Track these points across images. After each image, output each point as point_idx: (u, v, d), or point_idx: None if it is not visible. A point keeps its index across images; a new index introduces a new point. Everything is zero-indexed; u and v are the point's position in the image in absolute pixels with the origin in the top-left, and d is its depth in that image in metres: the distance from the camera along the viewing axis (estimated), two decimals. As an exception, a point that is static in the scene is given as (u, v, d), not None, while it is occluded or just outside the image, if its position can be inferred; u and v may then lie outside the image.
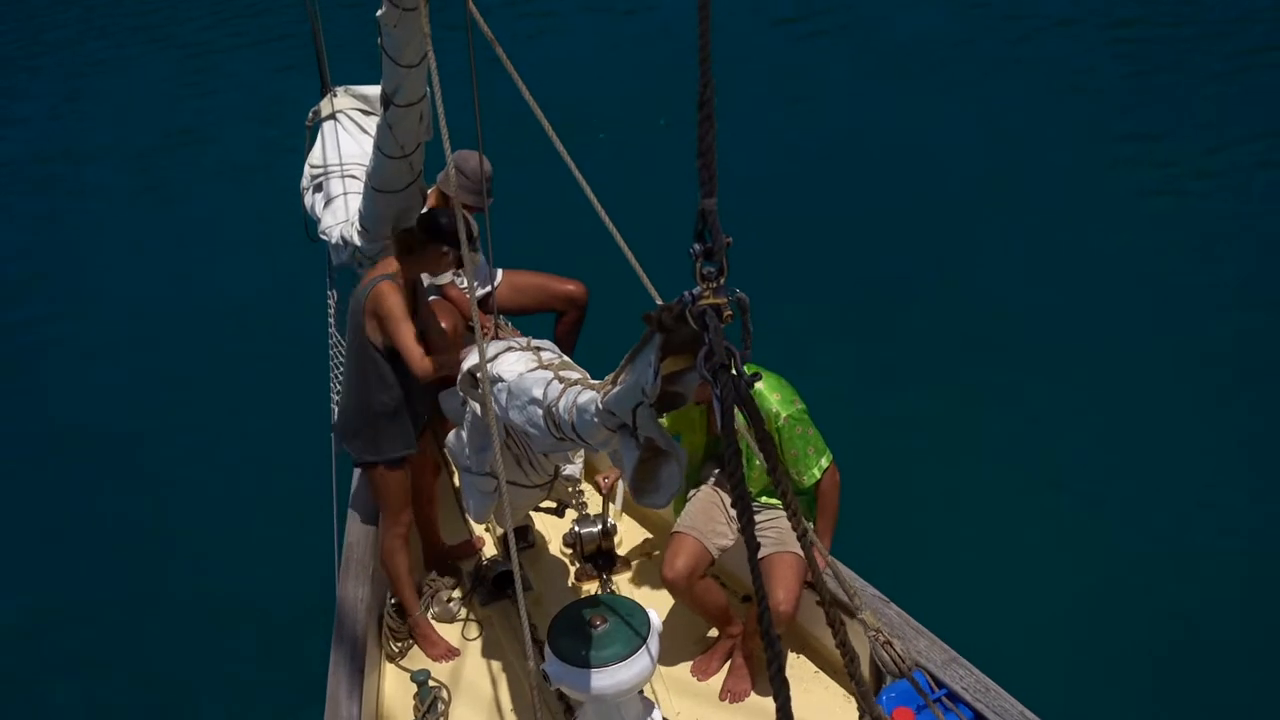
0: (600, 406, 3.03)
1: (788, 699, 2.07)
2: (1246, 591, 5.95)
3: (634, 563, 5.19)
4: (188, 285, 9.45)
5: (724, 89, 1.97)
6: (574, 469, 4.79)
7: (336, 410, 5.26)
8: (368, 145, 4.92)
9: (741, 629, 4.59)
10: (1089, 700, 5.40)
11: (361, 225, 4.90)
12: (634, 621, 3.87)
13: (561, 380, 3.47)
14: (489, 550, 5.35)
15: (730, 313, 2.10)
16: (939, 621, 4.34)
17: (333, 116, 5.63)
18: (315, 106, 5.74)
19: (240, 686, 6.21)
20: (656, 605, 4.27)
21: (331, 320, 5.89)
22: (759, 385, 4.20)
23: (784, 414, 4.29)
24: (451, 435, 4.46)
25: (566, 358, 3.89)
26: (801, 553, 4.35)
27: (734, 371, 2.11)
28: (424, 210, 4.77)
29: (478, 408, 4.11)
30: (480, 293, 5.33)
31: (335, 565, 5.11)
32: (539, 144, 4.05)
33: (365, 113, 5.61)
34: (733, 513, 4.58)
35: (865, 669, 4.09)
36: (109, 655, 6.56)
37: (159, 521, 7.34)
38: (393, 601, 4.98)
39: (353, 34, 7.85)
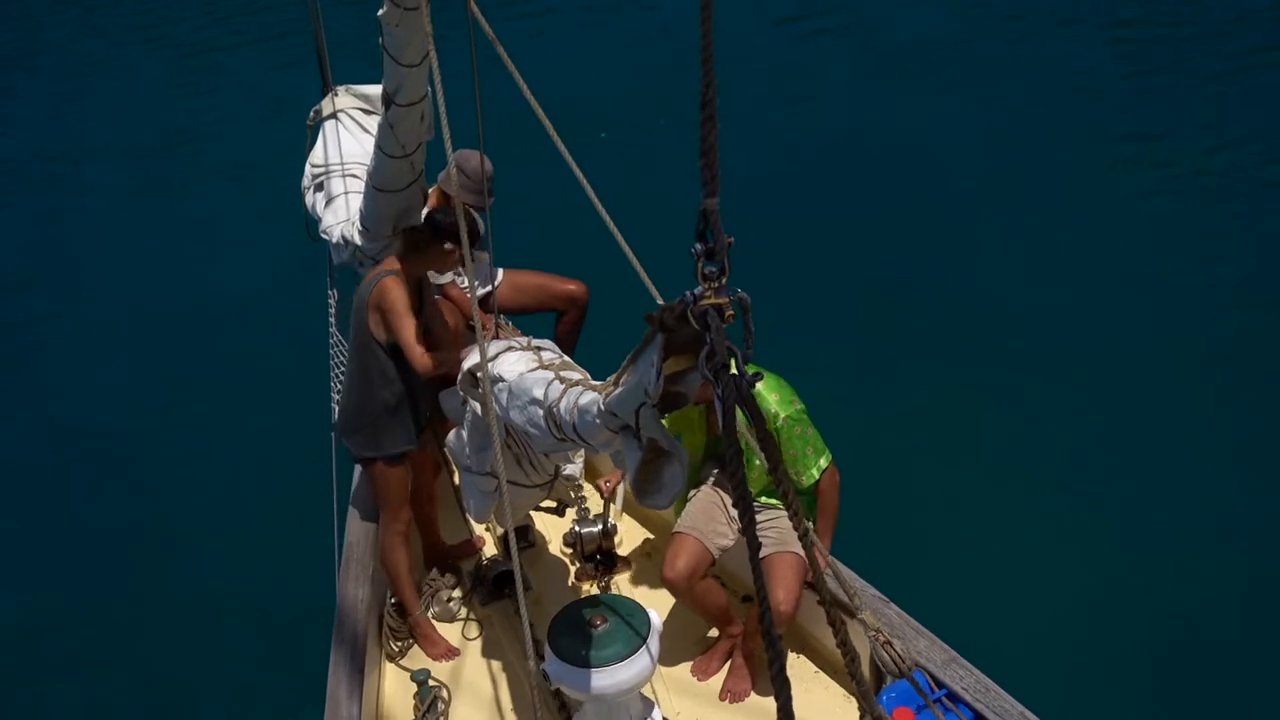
0: (602, 408, 3.03)
1: (789, 698, 2.07)
2: (1246, 592, 5.95)
3: (634, 562, 5.19)
4: (188, 284, 9.45)
5: (726, 89, 1.97)
6: (574, 469, 4.79)
7: (337, 410, 5.26)
8: (369, 144, 4.92)
9: (742, 629, 4.59)
10: (1089, 700, 5.40)
11: (362, 224, 4.90)
12: (634, 621, 3.87)
13: (562, 381, 3.47)
14: (489, 550, 5.35)
15: (732, 312, 2.10)
16: (939, 622, 4.35)
17: (334, 116, 5.63)
18: (316, 106, 5.74)
19: (240, 686, 6.21)
20: (657, 605, 4.27)
21: (332, 320, 5.89)
22: (759, 385, 4.20)
23: (783, 414, 4.29)
24: (452, 435, 4.46)
25: (567, 358, 3.89)
26: (801, 553, 4.36)
27: (735, 371, 2.11)
28: (429, 209, 4.78)
29: (478, 407, 4.11)
30: (481, 292, 5.33)
31: (335, 565, 5.11)
32: (540, 143, 4.05)
33: (366, 112, 5.61)
34: (733, 513, 4.58)
35: (865, 669, 4.09)
36: (109, 655, 6.56)
37: (159, 521, 7.34)
38: (393, 601, 4.98)
39: (354, 33, 7.85)
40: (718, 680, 4.63)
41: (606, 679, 3.77)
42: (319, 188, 5.53)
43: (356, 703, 4.36)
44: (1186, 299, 7.85)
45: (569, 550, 5.22)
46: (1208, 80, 10.36)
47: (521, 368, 3.69)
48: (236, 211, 10.20)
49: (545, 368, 3.66)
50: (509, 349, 3.86)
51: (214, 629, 6.54)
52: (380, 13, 3.92)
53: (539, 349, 3.89)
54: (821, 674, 4.61)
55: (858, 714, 4.19)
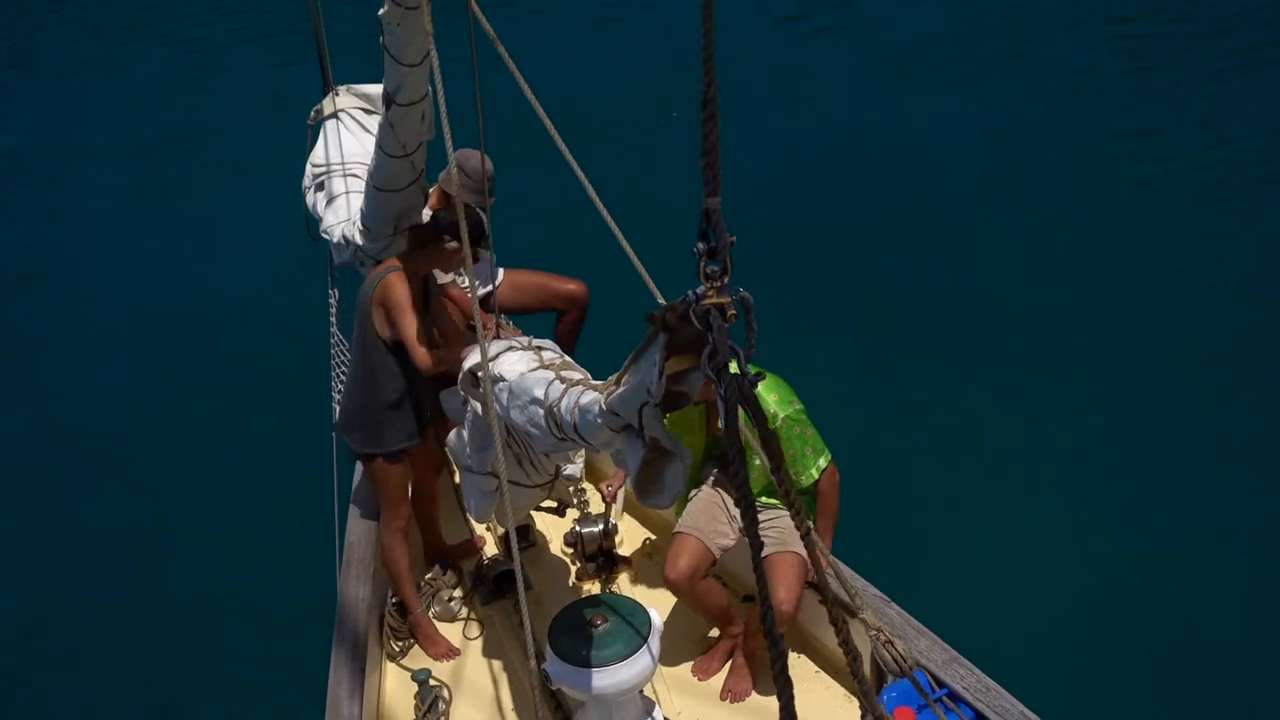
0: (604, 407, 3.03)
1: (791, 698, 2.07)
2: (1247, 592, 5.95)
3: (635, 562, 5.19)
4: (188, 283, 9.44)
5: (726, 88, 1.97)
6: (575, 469, 4.79)
7: (338, 410, 5.26)
8: (369, 144, 4.92)
9: (743, 629, 4.59)
10: (1089, 700, 5.40)
11: (363, 224, 4.90)
12: (635, 621, 3.87)
13: (563, 380, 3.47)
14: (490, 549, 5.35)
15: (734, 312, 2.10)
16: (940, 621, 4.35)
17: (335, 115, 5.63)
18: (317, 105, 5.74)
19: (240, 686, 6.21)
20: (657, 605, 4.27)
21: (333, 319, 5.88)
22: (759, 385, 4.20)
23: (782, 414, 4.29)
24: (453, 434, 4.46)
25: (568, 358, 3.89)
26: (802, 552, 4.36)
27: (738, 371, 2.11)
28: (432, 208, 4.78)
29: (479, 407, 4.11)
30: (482, 292, 5.33)
31: (336, 565, 5.11)
32: (541, 143, 4.05)
33: (367, 111, 5.61)
34: (734, 512, 4.58)
35: (866, 668, 4.09)
36: (109, 655, 6.56)
37: (159, 521, 7.34)
38: (394, 601, 4.98)
39: (355, 32, 7.85)
40: (719, 680, 4.63)
41: (607, 679, 3.78)
42: (320, 187, 5.53)
43: (357, 703, 4.36)
44: (1188, 298, 7.85)
45: (570, 550, 5.23)
46: (1208, 78, 10.35)
47: (522, 367, 3.69)
48: (237, 210, 10.19)
49: (546, 367, 3.66)
50: (510, 349, 3.86)
51: (214, 629, 6.54)
52: (381, 12, 3.92)
53: (540, 349, 3.89)
54: (822, 674, 4.61)
55: (858, 714, 4.19)
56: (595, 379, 3.47)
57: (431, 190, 5.07)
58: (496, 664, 4.85)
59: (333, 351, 5.84)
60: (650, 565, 5.14)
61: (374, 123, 5.35)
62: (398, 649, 4.92)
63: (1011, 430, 7.02)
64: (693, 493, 4.67)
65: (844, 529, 4.57)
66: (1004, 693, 4.02)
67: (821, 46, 11.76)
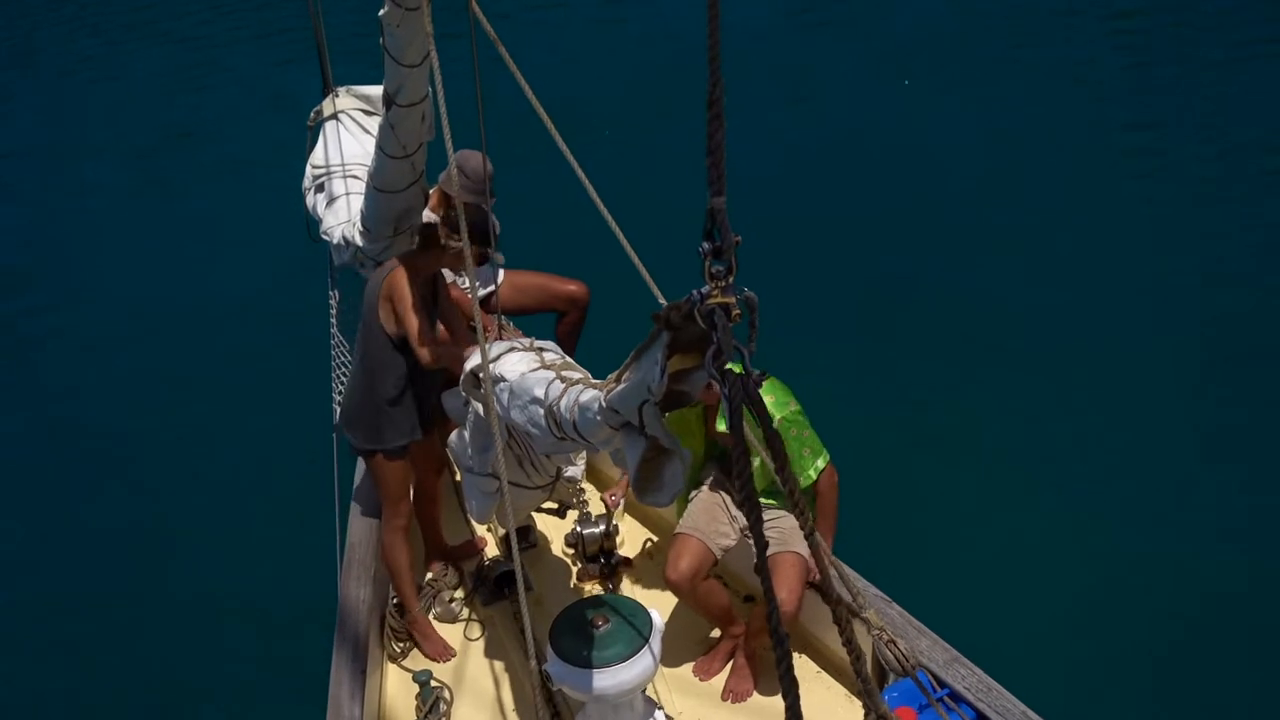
0: (604, 404, 3.03)
1: (797, 698, 2.08)
2: (1246, 592, 5.95)
3: (636, 563, 5.19)
4: (188, 283, 9.42)
5: (732, 87, 1.97)
6: (576, 470, 4.79)
7: (338, 411, 5.26)
8: (370, 145, 4.92)
9: (744, 629, 4.59)
10: (1090, 700, 5.40)
11: (363, 225, 4.90)
12: (636, 621, 3.87)
13: (563, 380, 3.47)
14: (491, 550, 5.34)
15: (738, 312, 2.10)
16: (941, 621, 4.35)
17: (334, 117, 5.63)
18: (317, 107, 5.74)
19: (240, 686, 6.20)
20: (658, 605, 4.27)
21: (333, 321, 5.88)
22: (756, 386, 4.21)
23: (779, 416, 4.29)
24: (454, 435, 4.46)
25: (569, 359, 3.89)
26: (803, 552, 4.37)
27: (743, 370, 2.11)
28: (432, 209, 4.77)
29: (480, 408, 4.11)
30: (482, 292, 5.33)
31: (337, 565, 5.11)
32: (541, 143, 4.05)
33: (367, 113, 5.62)
34: (734, 512, 4.58)
35: (868, 668, 4.09)
36: (108, 654, 6.55)
37: (159, 521, 7.33)
38: (395, 602, 4.98)
39: (355, 33, 7.85)
40: (720, 680, 4.63)
41: (608, 679, 3.78)
42: (320, 189, 5.53)
43: (358, 703, 4.36)
44: (1187, 297, 7.86)
45: (571, 551, 5.22)
46: (1207, 68, 10.35)
47: (523, 368, 3.69)
48: (237, 210, 10.17)
49: (547, 368, 3.66)
50: (511, 349, 3.86)
51: (214, 629, 6.53)
52: (381, 13, 3.92)
53: (541, 349, 3.89)
54: (824, 674, 4.62)
55: (860, 714, 4.20)
56: (595, 379, 3.47)
57: (432, 191, 5.07)
58: (498, 665, 4.85)
59: (333, 352, 5.84)
60: (651, 566, 5.14)
61: (374, 124, 5.35)
62: (399, 650, 4.92)
63: (1011, 430, 7.02)
64: (693, 494, 4.67)
65: (845, 529, 4.57)
66: (1005, 692, 4.03)
67: (824, 45, 11.75)
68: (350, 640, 4.63)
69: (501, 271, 5.49)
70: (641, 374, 2.77)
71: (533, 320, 5.63)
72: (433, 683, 4.59)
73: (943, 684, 4.09)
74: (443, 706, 4.59)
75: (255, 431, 7.73)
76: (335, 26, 6.38)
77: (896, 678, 3.90)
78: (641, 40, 12.19)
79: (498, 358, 3.79)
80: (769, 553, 4.34)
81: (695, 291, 2.16)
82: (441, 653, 4.90)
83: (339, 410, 5.23)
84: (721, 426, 4.47)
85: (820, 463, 4.38)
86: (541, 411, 3.46)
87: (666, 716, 4.20)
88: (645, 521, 5.39)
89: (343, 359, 5.68)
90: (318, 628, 5.44)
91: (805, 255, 8.51)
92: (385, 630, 4.95)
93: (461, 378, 4.17)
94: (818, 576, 3.76)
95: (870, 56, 11.36)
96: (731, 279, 2.08)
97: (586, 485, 5.28)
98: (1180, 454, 6.73)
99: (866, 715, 2.78)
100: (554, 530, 5.32)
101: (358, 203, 5.09)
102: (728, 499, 4.62)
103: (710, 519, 4.55)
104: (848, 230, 8.89)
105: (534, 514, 5.14)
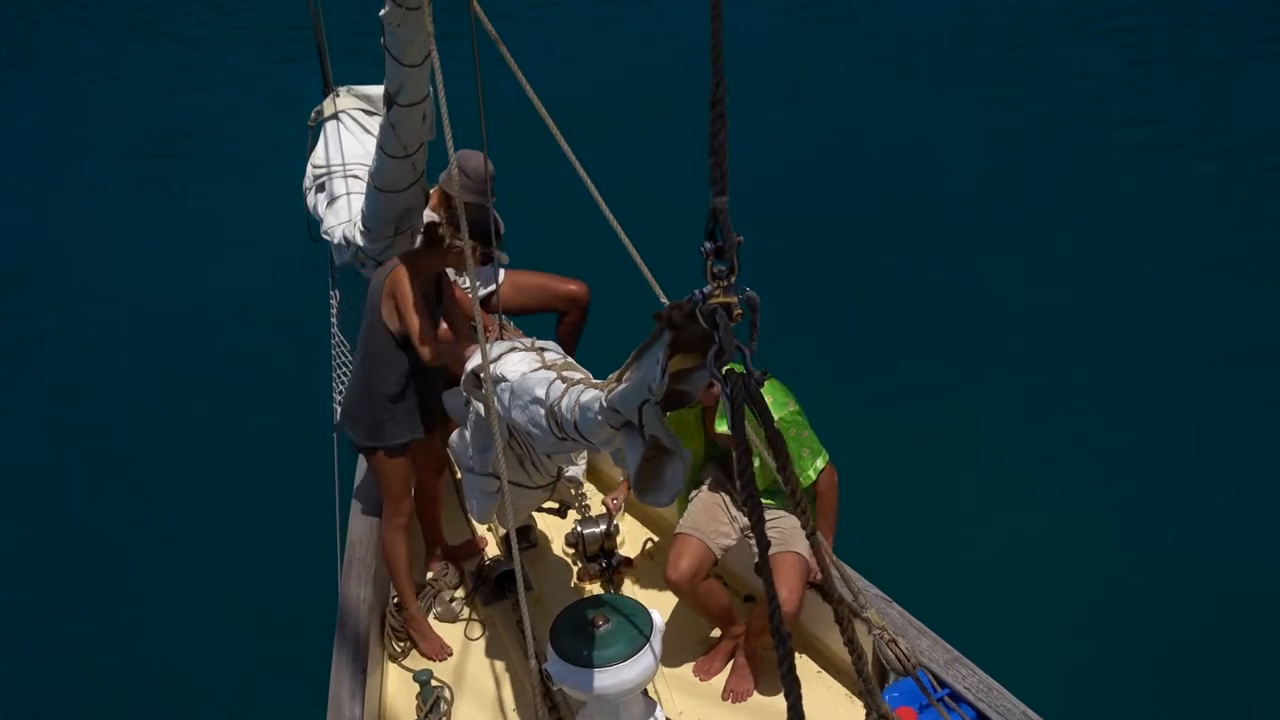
0: (605, 404, 3.03)
1: (799, 697, 2.08)
2: (1246, 592, 5.95)
3: (636, 563, 5.19)
4: (189, 282, 9.43)
5: (733, 86, 1.97)
6: (577, 470, 4.79)
7: (339, 410, 5.26)
8: (370, 145, 4.92)
9: (744, 629, 4.59)
10: (1090, 700, 5.40)
11: (364, 225, 4.90)
12: (637, 621, 3.87)
13: (564, 380, 3.47)
14: (491, 550, 5.34)
15: (740, 311, 2.10)
16: (941, 622, 4.35)
17: (335, 116, 5.62)
18: (318, 107, 5.74)
19: (241, 686, 6.20)
20: (659, 605, 4.27)
21: (334, 320, 5.88)
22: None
23: (777, 416, 4.28)
24: (455, 435, 4.46)
25: (570, 359, 3.89)
26: (803, 552, 4.37)
27: (744, 370, 2.11)
28: (433, 209, 4.78)
29: (481, 408, 4.11)
30: (483, 292, 5.33)
31: (337, 565, 5.11)
32: (543, 143, 4.05)
33: (368, 112, 5.61)
34: (734, 512, 4.58)
35: (869, 668, 4.09)
36: (108, 654, 6.55)
37: (159, 520, 7.33)
38: (395, 601, 4.98)
39: (355, 33, 7.85)
40: (720, 680, 4.63)
41: (609, 679, 3.78)
42: (320, 189, 5.53)
43: (359, 703, 4.36)
44: (1188, 297, 7.86)
45: (571, 551, 5.22)
46: (1208, 68, 10.35)
47: (524, 368, 3.69)
48: (237, 209, 10.18)
49: (548, 368, 3.66)
50: (512, 349, 3.86)
51: (214, 628, 6.53)
52: (382, 13, 3.92)
53: (542, 349, 3.89)
54: (824, 674, 4.62)
55: (861, 713, 4.20)
56: (596, 379, 3.47)
57: (432, 191, 5.07)
58: (499, 664, 4.85)
59: (333, 352, 5.83)
60: (651, 566, 5.14)
61: (374, 124, 5.35)
62: (399, 649, 4.92)
63: (1011, 430, 7.02)
64: (693, 494, 4.67)
65: (845, 529, 4.57)
66: (1005, 692, 4.03)
67: (826, 44, 11.76)
68: (351, 639, 4.63)
69: (502, 271, 5.49)
70: (643, 374, 2.77)
71: (533, 320, 5.63)
72: (433, 682, 4.59)
73: (943, 684, 4.09)
74: (443, 706, 4.59)
75: (255, 431, 7.73)
76: (335, 26, 6.38)
77: (897, 677, 3.91)
78: (642, 40, 12.20)
79: (499, 358, 3.79)
80: (771, 552, 4.37)
81: (697, 291, 2.16)
82: (438, 651, 4.90)
83: (339, 409, 5.23)
84: (721, 427, 4.47)
85: (820, 463, 4.38)
86: (543, 412, 3.46)
87: (666, 716, 4.20)
88: (645, 521, 5.39)
89: (343, 359, 5.68)
90: (318, 627, 5.44)
91: (806, 255, 8.52)
92: (386, 629, 4.95)
93: (463, 377, 4.17)
94: (818, 576, 3.76)
95: (870, 55, 11.36)
96: (733, 279, 2.08)
97: (587, 485, 5.28)
98: (1180, 454, 6.73)
99: (867, 715, 2.78)
100: (554, 530, 5.32)
101: (358, 202, 5.09)
102: (728, 499, 4.62)
103: (710, 519, 4.55)
104: (848, 230, 8.89)
105: (534, 514, 5.14)
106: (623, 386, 2.93)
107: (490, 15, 3.95)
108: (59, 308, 9.57)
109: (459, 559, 5.28)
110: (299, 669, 5.80)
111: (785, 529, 4.43)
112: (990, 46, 11.21)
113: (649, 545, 5.25)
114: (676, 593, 4.50)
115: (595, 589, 5.05)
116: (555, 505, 4.99)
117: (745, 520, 4.49)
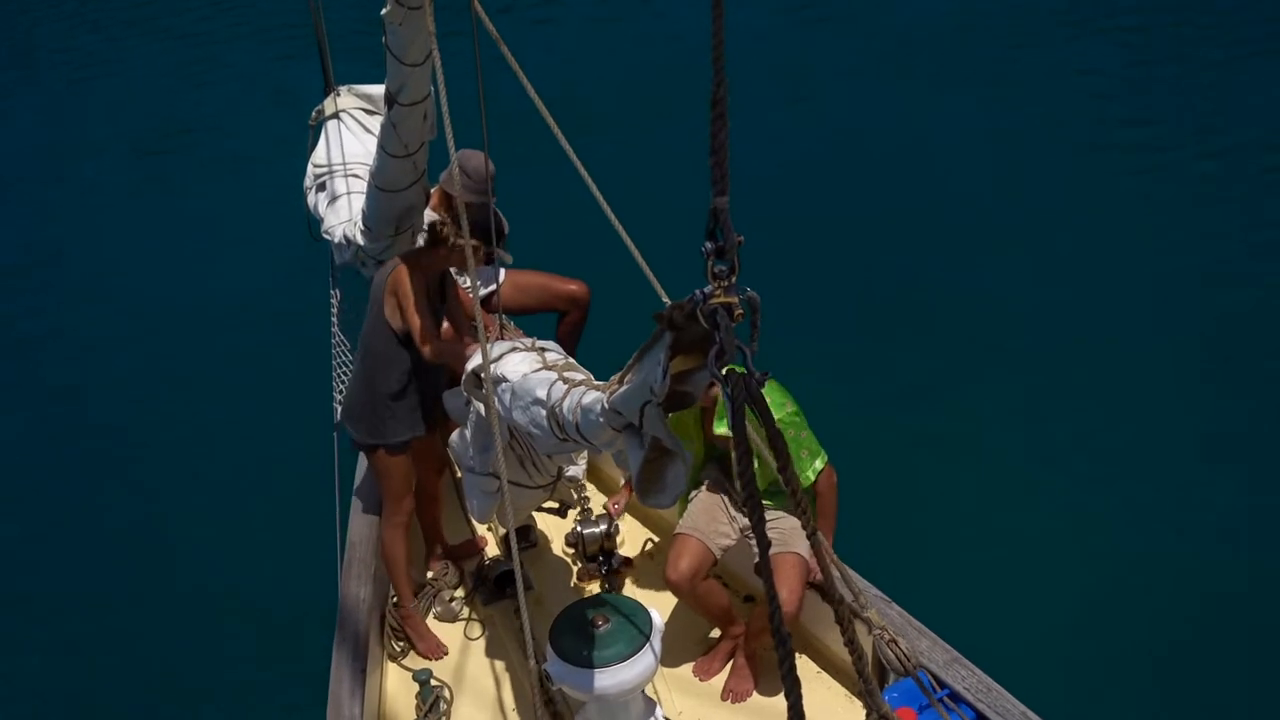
0: (606, 406, 3.03)
1: (799, 697, 2.08)
2: (1246, 592, 5.96)
3: (636, 563, 5.19)
4: (189, 281, 9.41)
5: (733, 86, 1.97)
6: (577, 470, 4.79)
7: (339, 409, 5.26)
8: (371, 144, 4.92)
9: (744, 629, 4.59)
10: (1090, 700, 5.41)
11: (365, 224, 4.90)
12: (637, 621, 3.87)
13: (566, 381, 3.47)
14: (491, 550, 5.34)
15: (741, 311, 2.10)
16: (941, 622, 4.35)
17: (336, 115, 5.62)
18: (319, 106, 5.74)
19: (240, 686, 6.20)
20: (658, 605, 4.28)
21: (334, 320, 5.87)
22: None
23: (775, 417, 4.28)
24: (455, 435, 4.46)
25: (571, 359, 3.89)
26: (803, 552, 4.37)
27: (745, 370, 2.11)
28: (433, 209, 4.77)
29: (481, 408, 4.11)
30: (484, 292, 5.33)
31: (337, 564, 5.11)
32: (544, 142, 4.05)
33: (369, 112, 5.61)
34: (734, 513, 4.58)
35: (869, 668, 4.10)
36: (108, 654, 6.55)
37: (159, 520, 7.33)
38: (395, 601, 4.98)
39: (356, 31, 7.84)
40: (720, 680, 4.63)
41: (609, 679, 3.78)
42: (321, 188, 5.52)
43: (358, 702, 4.36)
44: (1188, 297, 7.85)
45: (571, 550, 5.22)
46: (1208, 68, 10.35)
47: (525, 368, 3.69)
48: (237, 208, 10.16)
49: (549, 368, 3.66)
50: (513, 350, 3.86)
51: (214, 629, 6.53)
52: (383, 12, 3.92)
53: (543, 350, 3.89)
54: (824, 674, 4.62)
55: (861, 714, 4.20)
56: (597, 380, 3.47)
57: (433, 190, 5.07)
58: (498, 664, 4.85)
59: (334, 351, 5.83)
60: (651, 566, 5.14)
61: (375, 123, 5.35)
62: (399, 649, 4.92)
63: (1012, 430, 7.02)
64: (693, 494, 4.67)
65: (845, 530, 4.57)
66: (1005, 693, 4.03)
67: (827, 43, 11.75)
68: (350, 639, 4.63)
69: (503, 271, 5.49)
70: (644, 374, 2.77)
71: (534, 320, 5.63)
72: (433, 682, 4.59)
73: (943, 684, 4.09)
74: (443, 705, 4.59)
75: (255, 431, 7.72)
76: (336, 24, 6.38)
77: (897, 678, 3.91)
78: (643, 40, 12.18)
79: (499, 358, 3.79)
80: (771, 552, 4.37)
81: (698, 291, 2.16)
82: (434, 650, 4.90)
83: (340, 409, 5.23)
84: (720, 428, 4.47)
85: (819, 464, 4.38)
86: (544, 413, 3.46)
87: (666, 716, 4.20)
88: (645, 521, 5.39)
89: (344, 358, 5.68)
90: (318, 627, 5.44)
91: (806, 255, 8.51)
92: (385, 629, 4.95)
93: (463, 377, 4.17)
94: (818, 576, 3.76)
95: (870, 55, 11.35)
96: (734, 279, 2.08)
97: (588, 485, 5.28)
98: (1180, 454, 6.73)
99: (867, 715, 2.78)
100: (554, 530, 5.32)
101: (359, 202, 5.09)
102: (727, 499, 4.62)
103: (710, 519, 4.55)
104: (848, 230, 8.88)
105: (534, 513, 5.14)
106: (624, 388, 2.93)
107: (491, 15, 3.95)
108: (58, 308, 9.57)
109: (459, 558, 5.28)
110: (299, 668, 5.79)
111: (785, 529, 4.43)
112: (990, 46, 11.19)
113: (649, 545, 5.25)
114: (676, 593, 4.50)
115: (595, 589, 5.05)
116: (555, 505, 4.99)
117: (745, 520, 4.49)
